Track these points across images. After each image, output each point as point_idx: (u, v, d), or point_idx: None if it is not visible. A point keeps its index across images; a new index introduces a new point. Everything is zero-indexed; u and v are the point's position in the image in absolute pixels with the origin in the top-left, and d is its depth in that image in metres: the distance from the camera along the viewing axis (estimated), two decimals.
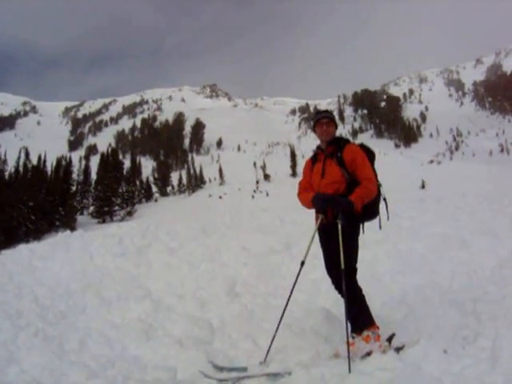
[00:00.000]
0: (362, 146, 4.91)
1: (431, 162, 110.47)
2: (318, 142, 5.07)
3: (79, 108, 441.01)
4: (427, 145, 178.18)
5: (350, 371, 3.86)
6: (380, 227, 4.80)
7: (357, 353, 4.13)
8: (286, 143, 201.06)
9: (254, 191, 79.76)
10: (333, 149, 4.82)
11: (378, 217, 4.63)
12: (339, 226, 4.46)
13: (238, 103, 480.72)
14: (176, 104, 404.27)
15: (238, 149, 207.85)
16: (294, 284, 4.88)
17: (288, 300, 4.85)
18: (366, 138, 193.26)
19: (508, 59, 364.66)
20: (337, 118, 5.03)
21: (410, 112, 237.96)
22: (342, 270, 4.35)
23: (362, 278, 4.47)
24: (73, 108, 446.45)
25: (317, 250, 5.02)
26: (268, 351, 4.63)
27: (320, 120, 4.94)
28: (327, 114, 5.01)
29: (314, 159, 5.06)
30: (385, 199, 4.70)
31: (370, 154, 4.84)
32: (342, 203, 4.44)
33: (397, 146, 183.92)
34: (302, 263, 4.85)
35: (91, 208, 70.37)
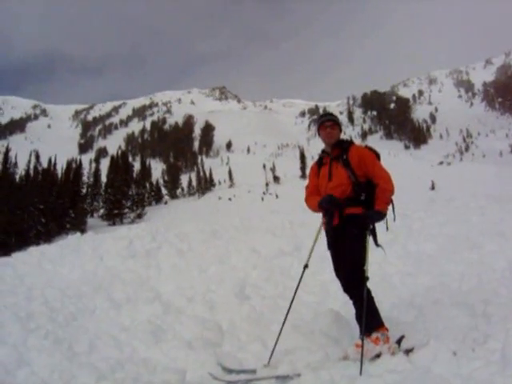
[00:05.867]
0: (367, 147, 4.92)
1: (441, 163, 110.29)
2: None
3: (89, 111, 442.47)
4: (437, 146, 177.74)
5: (361, 373, 3.85)
6: (387, 229, 4.80)
7: (366, 355, 4.11)
8: (295, 145, 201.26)
9: (264, 193, 79.99)
10: (338, 151, 4.83)
11: (385, 218, 4.63)
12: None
13: (247, 105, 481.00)
14: (185, 107, 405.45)
15: (248, 151, 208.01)
16: (297, 287, 4.93)
17: (291, 303, 4.88)
18: (376, 140, 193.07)
19: None
20: (346, 119, 5.07)
21: (420, 113, 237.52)
22: (362, 273, 4.39)
23: (372, 280, 4.46)
24: (83, 111, 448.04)
25: (326, 253, 5.02)
26: (272, 353, 4.64)
27: (324, 123, 4.95)
28: (331, 117, 5.01)
29: (319, 163, 5.06)
30: (392, 201, 4.70)
31: (375, 155, 4.85)
32: (377, 218, 4.56)
33: (406, 147, 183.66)
34: (306, 266, 4.90)
35: (101, 210, 70.65)
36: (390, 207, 4.68)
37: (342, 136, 5.09)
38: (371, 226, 4.60)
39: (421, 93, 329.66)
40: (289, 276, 8.30)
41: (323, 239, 4.86)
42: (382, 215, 4.51)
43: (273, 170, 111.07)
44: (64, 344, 5.46)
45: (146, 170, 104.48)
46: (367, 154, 4.74)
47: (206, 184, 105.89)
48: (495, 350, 3.69)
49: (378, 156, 4.86)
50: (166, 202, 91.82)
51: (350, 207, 4.60)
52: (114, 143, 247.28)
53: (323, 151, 5.06)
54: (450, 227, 10.98)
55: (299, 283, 4.94)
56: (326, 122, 4.94)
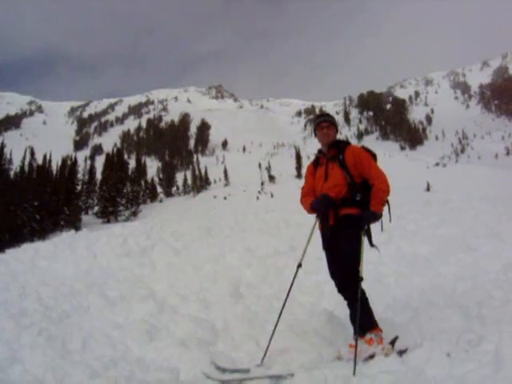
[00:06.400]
0: (363, 148, 4.92)
1: (437, 164, 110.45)
2: None
3: (85, 108, 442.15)
4: (433, 147, 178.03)
5: (354, 374, 3.85)
6: (382, 229, 4.81)
7: (359, 355, 4.11)
8: (291, 144, 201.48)
9: (259, 192, 79.94)
10: (334, 152, 4.83)
11: (380, 219, 4.62)
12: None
13: (243, 104, 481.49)
14: (182, 105, 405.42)
15: (244, 150, 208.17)
16: (291, 286, 4.92)
17: (285, 302, 4.88)
18: (372, 140, 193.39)
19: None
20: (342, 120, 5.08)
21: (416, 114, 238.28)
22: (357, 274, 4.39)
23: (366, 281, 4.46)
24: (78, 108, 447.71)
25: (321, 253, 5.01)
26: (265, 353, 4.64)
27: (320, 124, 4.96)
28: (327, 118, 5.01)
29: (315, 163, 5.07)
30: (387, 201, 4.70)
31: (371, 155, 4.85)
32: (372, 219, 4.53)
33: (402, 148, 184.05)
34: (299, 265, 4.90)
35: (96, 208, 70.51)
36: (385, 208, 4.68)
37: (338, 136, 5.09)
38: (366, 227, 4.60)
39: (417, 94, 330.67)
40: (284, 276, 8.30)
41: (318, 239, 4.86)
42: (377, 216, 4.49)
43: (268, 169, 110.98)
44: (57, 341, 5.43)
45: (141, 168, 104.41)
46: (363, 154, 4.74)
47: (201, 182, 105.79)
48: (488, 351, 3.68)
49: (374, 156, 4.87)
50: (161, 200, 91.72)
51: (346, 207, 4.60)
52: (110, 140, 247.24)
53: (320, 151, 5.07)
54: (445, 229, 11.00)
55: (293, 282, 4.95)
56: (322, 123, 4.95)
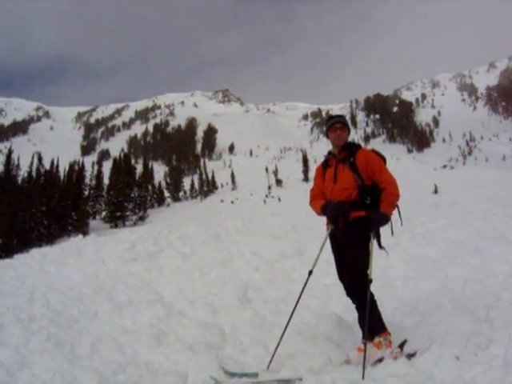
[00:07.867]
0: (373, 151, 4.89)
1: (444, 166, 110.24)
2: (330, 146, 5.05)
3: (92, 113, 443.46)
4: (440, 150, 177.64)
5: (363, 377, 3.84)
6: (392, 233, 4.78)
7: (368, 359, 4.09)
8: (298, 148, 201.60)
9: (266, 196, 79.92)
10: (345, 154, 4.80)
11: (390, 222, 4.60)
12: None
13: (250, 108, 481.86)
14: (188, 109, 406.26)
15: (250, 154, 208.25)
16: (301, 293, 4.89)
17: (294, 308, 4.85)
18: (379, 143, 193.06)
19: None
20: (349, 123, 5.01)
21: (423, 117, 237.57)
22: (366, 277, 4.38)
23: (374, 284, 4.44)
24: (85, 113, 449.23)
25: (329, 256, 5.00)
26: (272, 357, 4.62)
27: (334, 125, 4.91)
28: (341, 119, 4.97)
29: (325, 165, 5.03)
30: (397, 205, 4.67)
31: (382, 159, 4.83)
32: (382, 221, 4.50)
33: (409, 150, 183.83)
34: (310, 272, 4.87)
35: (103, 213, 70.50)
36: (395, 212, 4.65)
37: None
38: (376, 229, 4.58)
39: (424, 96, 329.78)
40: (291, 279, 8.29)
41: (327, 244, 4.84)
42: (387, 218, 4.45)
43: (275, 173, 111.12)
44: (66, 346, 5.45)
45: (148, 173, 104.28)
46: (375, 158, 4.71)
47: (208, 187, 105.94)
48: (498, 354, 3.67)
49: (384, 160, 4.85)
50: (168, 205, 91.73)
51: (355, 211, 4.58)
52: (117, 145, 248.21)
53: (330, 153, 5.05)
54: (453, 231, 10.95)
55: (303, 289, 4.91)
56: (335, 124, 4.91)
